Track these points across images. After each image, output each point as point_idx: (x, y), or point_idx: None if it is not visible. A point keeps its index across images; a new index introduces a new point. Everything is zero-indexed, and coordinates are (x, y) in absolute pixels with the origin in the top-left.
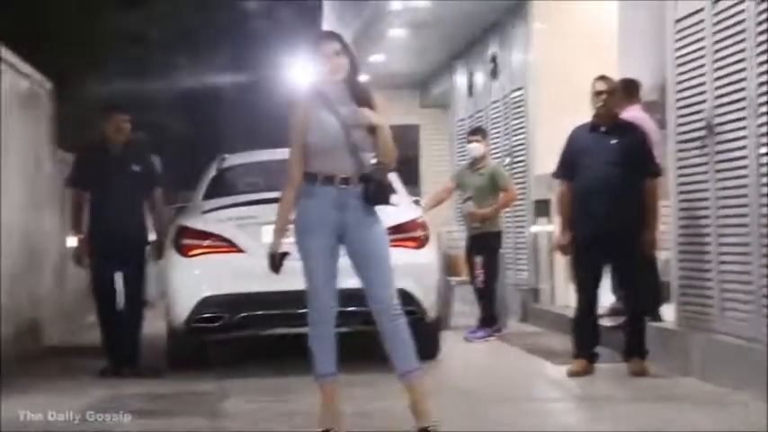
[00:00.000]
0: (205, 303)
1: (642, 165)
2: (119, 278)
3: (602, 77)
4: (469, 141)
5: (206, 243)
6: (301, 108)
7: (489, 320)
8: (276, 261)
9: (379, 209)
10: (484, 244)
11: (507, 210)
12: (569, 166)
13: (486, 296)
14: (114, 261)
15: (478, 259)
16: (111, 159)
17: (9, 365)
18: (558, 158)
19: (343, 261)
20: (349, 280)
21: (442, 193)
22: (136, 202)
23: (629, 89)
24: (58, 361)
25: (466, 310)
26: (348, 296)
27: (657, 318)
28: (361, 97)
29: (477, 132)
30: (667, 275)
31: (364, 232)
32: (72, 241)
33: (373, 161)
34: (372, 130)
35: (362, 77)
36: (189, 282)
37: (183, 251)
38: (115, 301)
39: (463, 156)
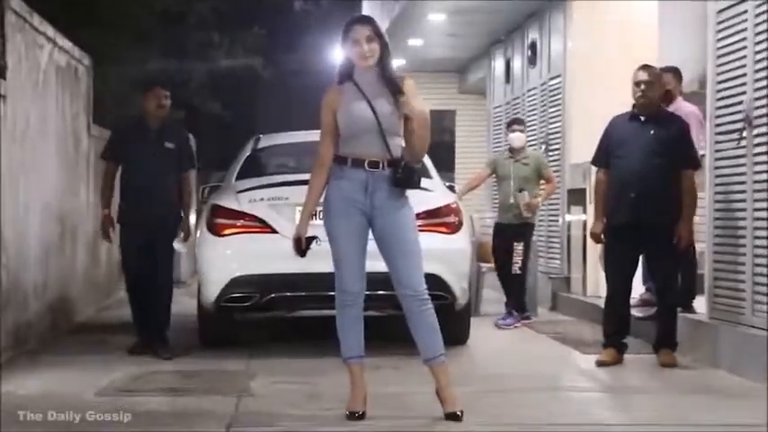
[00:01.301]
0: (236, 283)
1: (681, 156)
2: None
3: (644, 67)
4: (512, 131)
5: (239, 223)
6: (332, 92)
7: (520, 307)
8: (302, 245)
9: (413, 193)
10: (523, 232)
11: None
12: (606, 154)
13: (521, 283)
14: (144, 236)
15: (519, 247)
16: (148, 134)
17: (40, 341)
18: (596, 146)
19: (373, 245)
20: (378, 264)
21: (475, 180)
22: (167, 179)
23: (678, 78)
24: (88, 337)
25: (496, 296)
26: (377, 280)
27: (691, 310)
28: (391, 83)
29: (520, 122)
30: (701, 267)
31: (392, 216)
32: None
33: (403, 144)
34: (405, 116)
35: (397, 62)
36: (220, 261)
37: (216, 230)
38: (146, 277)
39: (498, 142)
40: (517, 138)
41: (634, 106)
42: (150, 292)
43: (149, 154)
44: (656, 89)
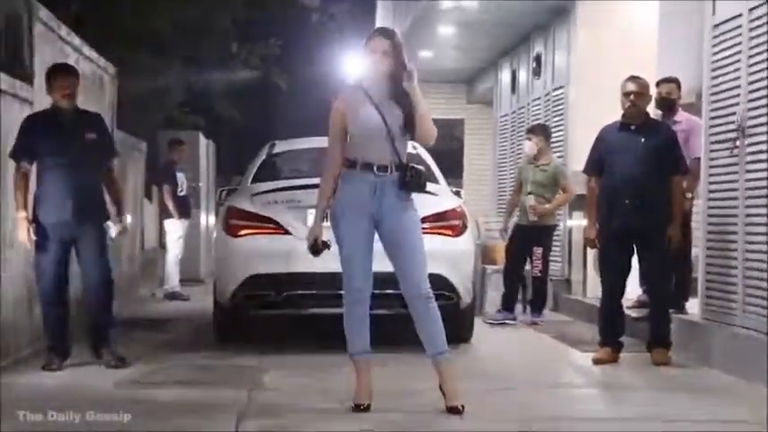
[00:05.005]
0: (250, 281)
1: (670, 162)
2: (71, 259)
3: (633, 78)
4: (526, 138)
5: (253, 224)
6: (342, 99)
7: (537, 309)
8: (318, 247)
9: (421, 198)
10: (540, 235)
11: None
12: (598, 162)
13: (541, 286)
14: (66, 240)
15: (539, 251)
16: (62, 127)
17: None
18: (588, 155)
19: (379, 245)
20: (385, 264)
21: (514, 197)
22: (91, 173)
23: (678, 88)
24: None
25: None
26: (384, 279)
27: (683, 311)
28: (399, 94)
29: (531, 131)
30: (696, 271)
31: (399, 218)
32: (19, 219)
33: (411, 150)
34: (411, 117)
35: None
36: (236, 260)
37: (232, 231)
38: (64, 287)
39: (504, 150)
40: (527, 146)
41: (623, 116)
42: (87, 295)
43: (66, 147)
44: (645, 99)
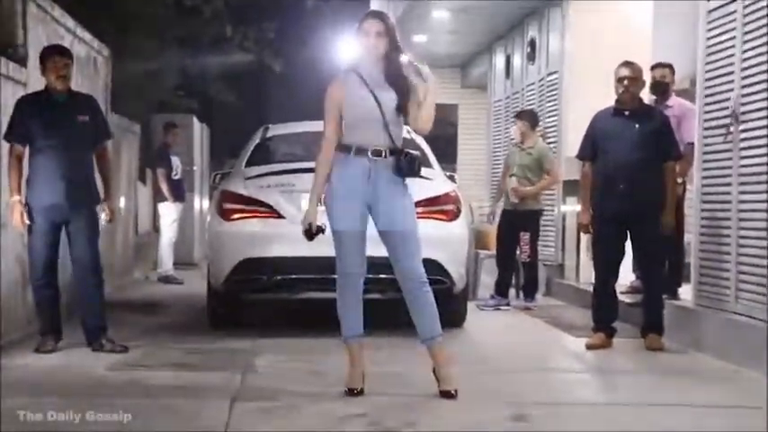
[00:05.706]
0: (244, 265)
1: (663, 148)
2: (62, 242)
3: (627, 63)
4: (514, 123)
5: (247, 208)
6: (337, 83)
7: (529, 294)
8: (312, 231)
9: (415, 182)
10: (526, 221)
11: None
12: (591, 148)
13: (530, 271)
14: (58, 223)
15: (526, 236)
16: (56, 109)
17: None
18: (582, 140)
19: (374, 230)
20: (380, 248)
21: (503, 179)
22: (84, 156)
23: (672, 73)
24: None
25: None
26: (379, 264)
27: (676, 297)
28: (394, 77)
29: (517, 116)
30: (688, 257)
31: (393, 203)
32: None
33: (405, 135)
34: (405, 97)
35: (405, 56)
36: (229, 244)
37: (225, 215)
38: (56, 269)
39: (499, 134)
40: (513, 130)
41: (617, 101)
42: (77, 279)
43: (60, 130)
44: (638, 85)
